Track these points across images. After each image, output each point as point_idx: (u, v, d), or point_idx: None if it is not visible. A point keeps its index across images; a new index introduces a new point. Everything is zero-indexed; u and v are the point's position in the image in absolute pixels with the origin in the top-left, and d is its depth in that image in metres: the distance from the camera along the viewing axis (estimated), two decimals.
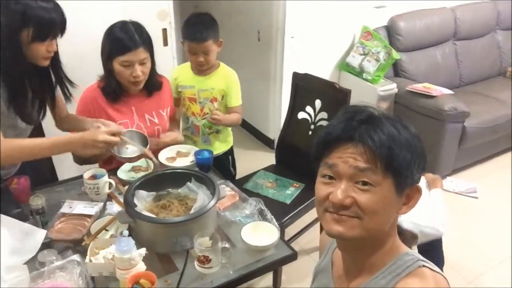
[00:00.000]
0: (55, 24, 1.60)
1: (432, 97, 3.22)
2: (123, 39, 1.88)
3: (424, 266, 0.91)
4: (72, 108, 2.02)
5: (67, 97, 1.87)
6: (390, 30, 3.62)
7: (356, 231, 0.89)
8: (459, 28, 3.82)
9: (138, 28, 1.93)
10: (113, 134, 1.69)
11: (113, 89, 2.00)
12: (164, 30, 2.81)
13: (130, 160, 1.87)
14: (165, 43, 2.84)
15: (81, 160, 2.03)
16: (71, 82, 1.84)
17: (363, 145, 0.87)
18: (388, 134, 0.87)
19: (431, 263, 0.92)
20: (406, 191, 0.91)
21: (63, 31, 1.67)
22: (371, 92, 3.42)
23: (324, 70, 3.64)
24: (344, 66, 3.68)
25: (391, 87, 3.44)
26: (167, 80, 2.25)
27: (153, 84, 2.09)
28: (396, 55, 3.44)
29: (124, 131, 1.81)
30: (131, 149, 1.85)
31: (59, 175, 2.40)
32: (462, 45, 3.88)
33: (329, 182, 0.91)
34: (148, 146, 1.85)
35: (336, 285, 1.03)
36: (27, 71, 1.65)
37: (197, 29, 2.17)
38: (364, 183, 0.87)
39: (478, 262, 2.59)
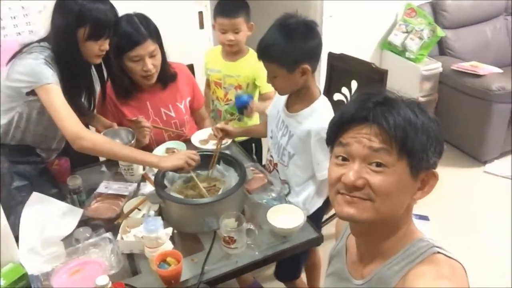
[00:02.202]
0: (109, 25, 1.65)
1: (479, 76, 3.07)
2: (130, 33, 1.82)
3: (438, 252, 0.88)
4: None
5: None
6: (436, 7, 3.46)
7: (368, 213, 0.87)
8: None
9: (143, 20, 1.87)
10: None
11: (125, 87, 1.98)
12: (200, 13, 2.85)
13: None
14: (201, 26, 2.88)
15: None
16: None
17: (378, 126, 0.85)
18: (404, 116, 0.85)
19: (447, 249, 0.89)
20: (422, 176, 0.88)
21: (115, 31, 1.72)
22: (414, 72, 3.31)
23: (365, 50, 3.53)
24: (386, 45, 3.56)
25: (435, 66, 3.31)
26: (186, 69, 2.20)
27: (166, 75, 2.04)
28: (440, 32, 3.29)
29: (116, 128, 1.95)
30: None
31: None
32: None
33: (342, 163, 0.90)
34: (134, 140, 1.89)
35: (349, 270, 1.02)
36: (81, 67, 1.73)
37: (228, 5, 2.16)
38: (378, 165, 0.85)
39: None
